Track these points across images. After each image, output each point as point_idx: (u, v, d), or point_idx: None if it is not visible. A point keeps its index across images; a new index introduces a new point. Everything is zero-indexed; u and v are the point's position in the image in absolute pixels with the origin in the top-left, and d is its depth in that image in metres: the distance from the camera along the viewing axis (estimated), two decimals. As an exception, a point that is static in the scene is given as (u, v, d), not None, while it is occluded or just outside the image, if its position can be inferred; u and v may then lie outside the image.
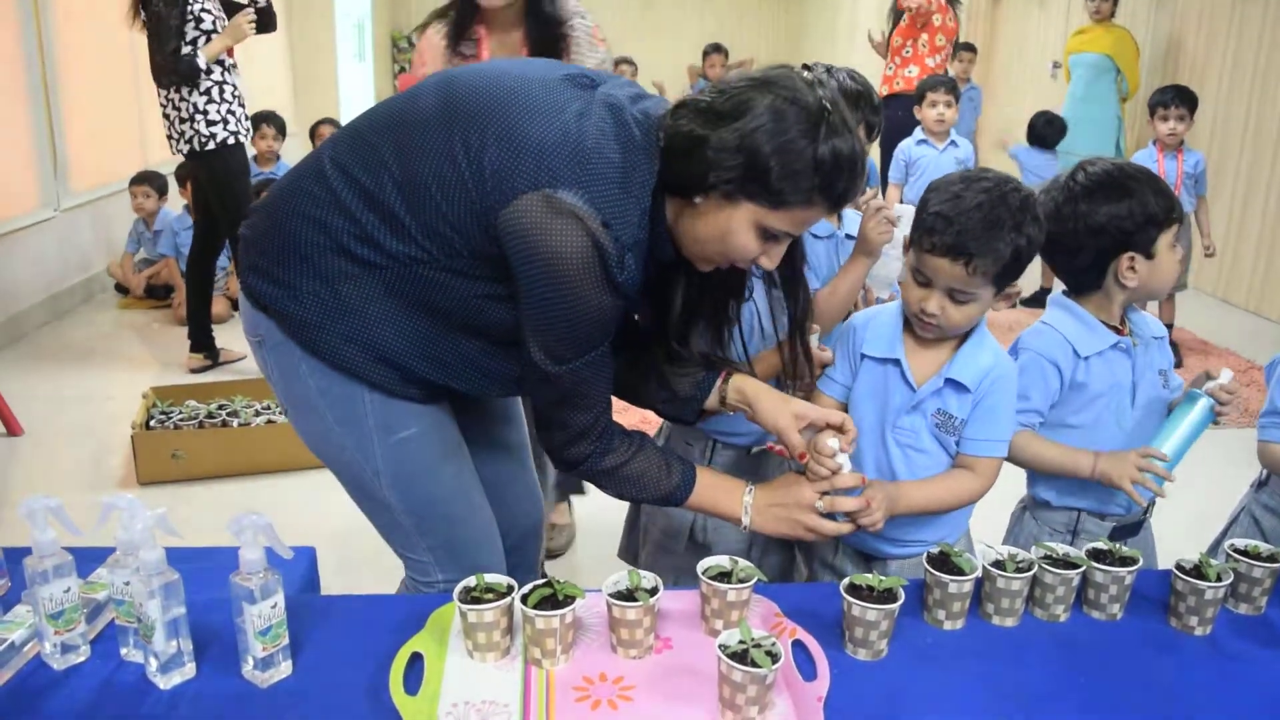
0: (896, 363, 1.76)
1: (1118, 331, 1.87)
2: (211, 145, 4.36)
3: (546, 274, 1.41)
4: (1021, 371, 1.85)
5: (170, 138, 4.42)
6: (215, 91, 4.34)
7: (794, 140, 1.38)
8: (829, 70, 1.96)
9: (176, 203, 5.95)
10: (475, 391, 1.65)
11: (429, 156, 1.46)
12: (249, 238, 1.64)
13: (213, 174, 4.47)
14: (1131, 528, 1.95)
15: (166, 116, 4.39)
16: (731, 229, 1.46)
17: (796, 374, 1.73)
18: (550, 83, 1.50)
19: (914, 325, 1.75)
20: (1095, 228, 1.82)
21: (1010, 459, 1.85)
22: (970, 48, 7.87)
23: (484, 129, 1.45)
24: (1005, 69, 9.38)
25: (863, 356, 1.80)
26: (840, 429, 1.62)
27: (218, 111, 4.36)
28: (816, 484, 1.61)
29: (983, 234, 1.61)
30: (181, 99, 4.30)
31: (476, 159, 1.43)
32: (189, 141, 4.35)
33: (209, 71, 4.29)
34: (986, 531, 1.91)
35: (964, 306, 1.68)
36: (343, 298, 1.54)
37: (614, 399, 1.64)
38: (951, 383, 1.73)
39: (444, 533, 1.71)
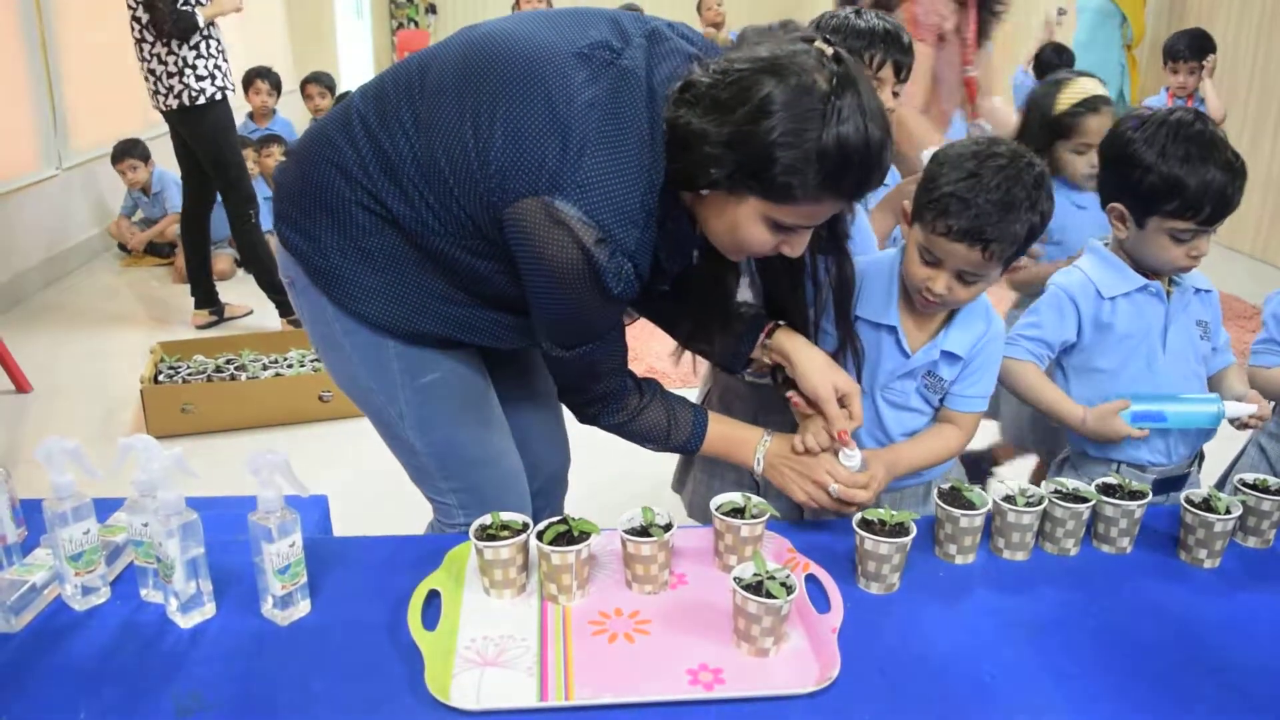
0: (891, 329, 1.72)
1: (1149, 276, 1.84)
2: (201, 100, 4.31)
3: (544, 277, 1.42)
4: (1041, 305, 1.87)
5: (156, 93, 4.35)
6: (203, 46, 4.30)
7: (797, 131, 1.29)
8: (858, 11, 1.92)
9: (169, 161, 5.92)
10: (499, 345, 1.65)
11: (442, 133, 1.45)
12: (280, 182, 1.65)
13: (201, 130, 4.43)
14: (1175, 480, 1.91)
15: (152, 72, 4.32)
16: (739, 223, 1.40)
17: (854, 350, 1.71)
18: (567, 63, 1.41)
19: (914, 299, 1.69)
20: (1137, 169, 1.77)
21: (1007, 384, 1.87)
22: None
23: (494, 112, 1.41)
24: (1012, 14, 9.27)
25: (856, 317, 1.74)
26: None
27: (205, 66, 4.31)
28: (832, 465, 1.62)
29: (1001, 218, 1.52)
30: (169, 52, 4.24)
31: (484, 148, 1.41)
32: (177, 97, 4.30)
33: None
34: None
35: (972, 286, 1.63)
36: (365, 252, 1.54)
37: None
38: (946, 354, 1.71)
39: (467, 476, 1.72)
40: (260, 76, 6.29)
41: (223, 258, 5.63)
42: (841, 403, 1.63)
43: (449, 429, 1.69)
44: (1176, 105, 4.79)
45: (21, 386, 4.08)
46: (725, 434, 1.70)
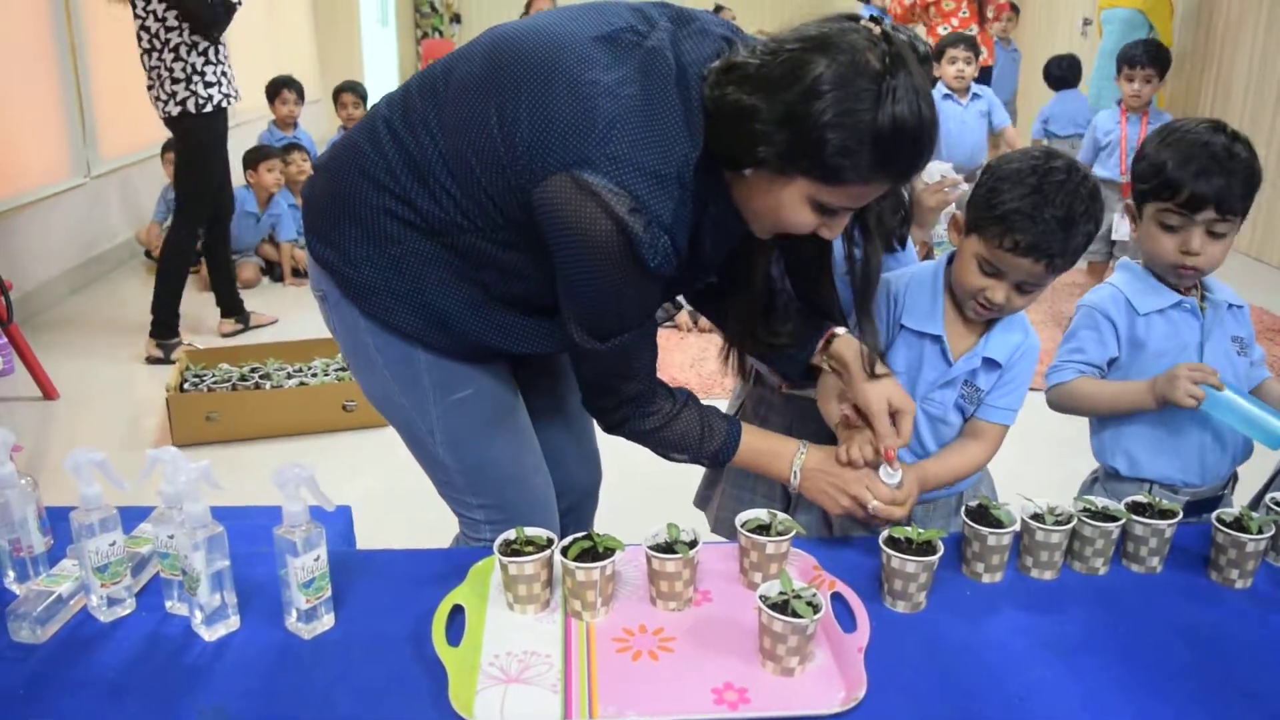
0: (936, 338, 1.74)
1: (1181, 292, 1.82)
2: (209, 107, 4.28)
3: (578, 256, 1.39)
4: (1078, 325, 1.86)
5: (159, 99, 4.28)
6: (212, 53, 4.27)
7: (850, 111, 1.27)
8: (893, 29, 1.92)
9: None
10: (530, 350, 1.64)
11: (468, 129, 1.44)
12: (309, 197, 1.66)
13: (200, 137, 4.37)
14: (1209, 502, 1.87)
15: (158, 79, 4.24)
16: (783, 203, 1.39)
17: (868, 323, 1.64)
18: (590, 47, 1.40)
19: (965, 308, 1.72)
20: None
21: (1067, 406, 1.86)
22: (1014, 8, 7.75)
23: (518, 100, 1.40)
24: (1035, 27, 9.26)
25: (901, 326, 1.76)
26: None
27: (214, 73, 4.29)
28: (872, 480, 1.61)
29: (1066, 233, 1.56)
30: (177, 58, 4.19)
31: (510, 134, 1.40)
32: (181, 103, 4.25)
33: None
34: (1024, 485, 1.90)
35: (1028, 295, 1.66)
36: (395, 262, 1.54)
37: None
38: (987, 360, 1.73)
39: (497, 493, 1.72)
40: (286, 86, 6.33)
41: (248, 266, 5.68)
42: (892, 419, 1.61)
43: (480, 446, 1.69)
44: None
45: (49, 393, 4.11)
46: (759, 446, 1.67)
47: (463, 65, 1.50)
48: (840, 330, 1.70)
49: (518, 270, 1.52)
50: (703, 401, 1.66)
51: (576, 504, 1.98)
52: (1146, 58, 4.76)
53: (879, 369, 1.62)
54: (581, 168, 1.34)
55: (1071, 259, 1.61)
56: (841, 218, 1.44)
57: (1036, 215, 1.56)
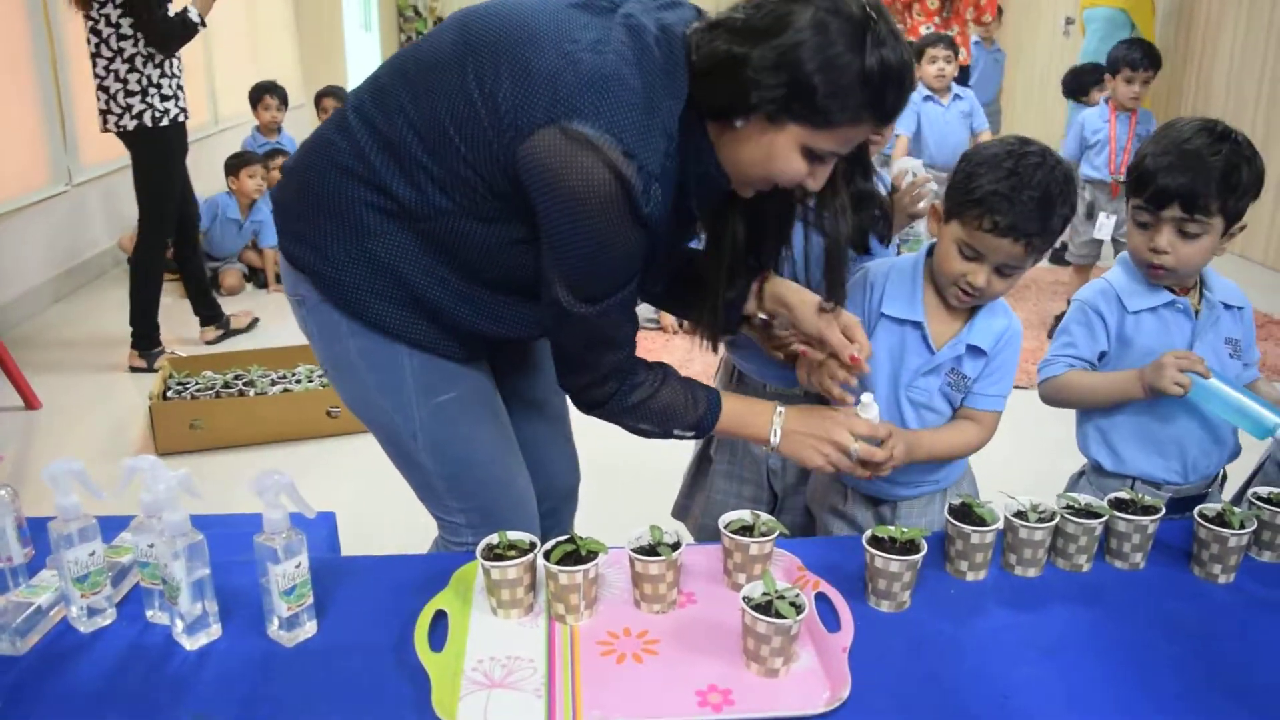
0: (917, 325, 1.76)
1: (1176, 292, 1.82)
2: (165, 121, 4.18)
3: (569, 210, 1.38)
4: (1069, 323, 1.87)
5: (110, 113, 4.13)
6: (168, 65, 4.17)
7: (840, 54, 1.32)
8: None
9: (202, 177, 5.93)
10: (513, 334, 1.62)
11: (444, 97, 1.44)
12: (281, 200, 1.65)
13: (156, 152, 4.26)
14: (1192, 500, 1.86)
15: (105, 89, 4.10)
16: (776, 152, 1.41)
17: (838, 299, 1.67)
18: (566, 13, 1.43)
19: (947, 295, 1.74)
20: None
21: (1059, 399, 1.87)
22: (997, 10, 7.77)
23: (497, 63, 1.40)
24: (1017, 27, 9.29)
25: (881, 315, 1.78)
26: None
27: (170, 86, 4.18)
28: (849, 421, 1.64)
29: (1042, 213, 1.61)
30: (131, 70, 4.07)
31: (490, 94, 1.39)
32: (137, 117, 4.12)
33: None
34: (1011, 481, 1.91)
35: (1009, 278, 1.69)
36: (373, 255, 1.53)
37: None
38: (971, 347, 1.74)
39: (478, 497, 1.72)
40: (268, 92, 6.31)
41: (231, 273, 5.66)
42: (847, 337, 1.65)
43: (462, 449, 1.68)
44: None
45: (31, 403, 4.08)
46: (739, 409, 1.67)
47: (431, 45, 1.50)
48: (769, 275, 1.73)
49: (501, 248, 1.51)
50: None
51: (557, 506, 1.98)
52: (1147, 60, 4.76)
53: (825, 305, 1.67)
54: (569, 118, 1.34)
55: (1049, 240, 1.64)
56: (827, 166, 1.46)
57: (1014, 196, 1.59)
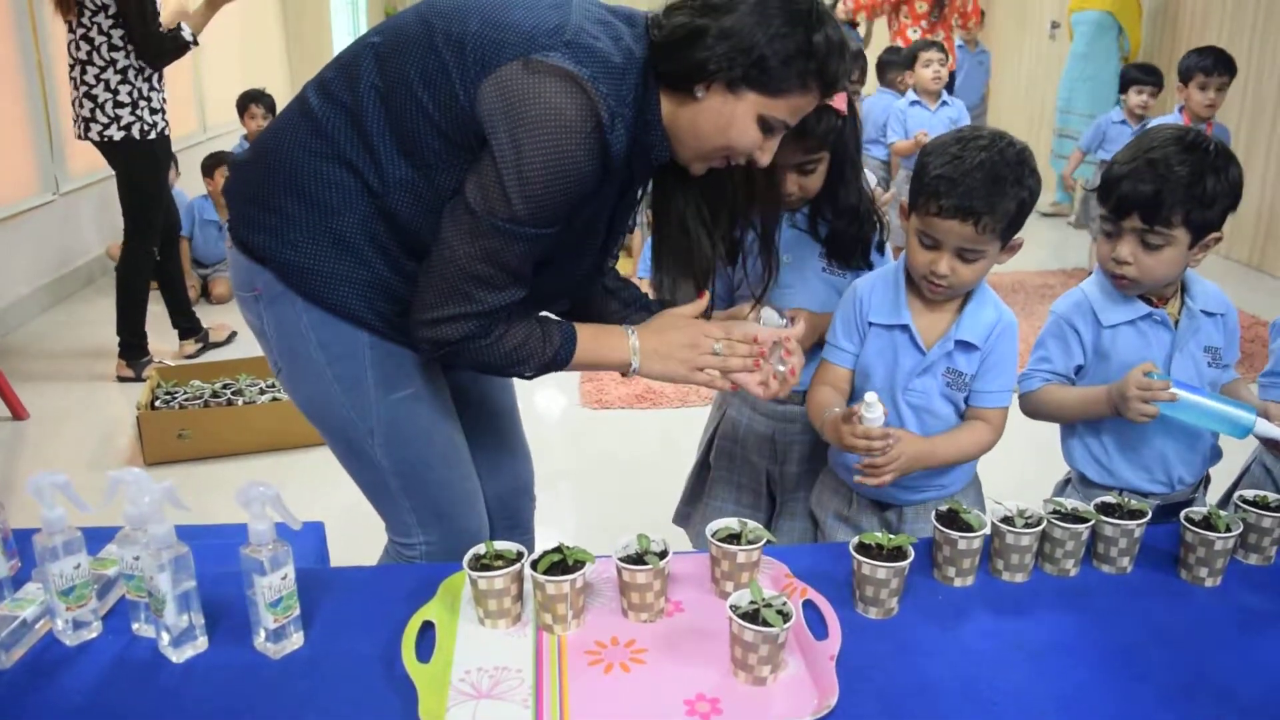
0: (904, 328, 1.76)
1: (1153, 304, 1.79)
2: (153, 135, 4.19)
3: (529, 128, 1.41)
4: (1045, 334, 1.86)
5: (95, 121, 4.11)
6: (155, 79, 4.18)
7: (791, 27, 1.45)
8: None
9: (189, 184, 5.91)
10: None
11: (410, 53, 1.48)
12: (233, 191, 1.64)
13: (144, 164, 4.26)
14: (1178, 506, 1.80)
15: (92, 98, 4.08)
16: (735, 121, 1.50)
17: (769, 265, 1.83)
18: None
19: (922, 289, 1.74)
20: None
21: (1039, 414, 1.87)
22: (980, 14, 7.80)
23: (465, 19, 1.47)
24: (1004, 29, 9.31)
25: (870, 324, 1.79)
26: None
27: (158, 100, 4.20)
28: (702, 324, 1.70)
29: (988, 191, 1.61)
30: (123, 81, 4.06)
31: (458, 42, 1.45)
32: (125, 129, 4.12)
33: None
34: (997, 484, 1.91)
35: (974, 264, 1.68)
36: (337, 234, 1.53)
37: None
38: (960, 343, 1.74)
39: (430, 494, 1.72)
40: (254, 100, 6.28)
41: (221, 281, 5.64)
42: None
43: (419, 447, 1.68)
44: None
45: (18, 413, 4.07)
46: (593, 342, 1.65)
47: (397, 19, 1.56)
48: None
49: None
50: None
51: (512, 501, 1.99)
52: (1220, 67, 4.52)
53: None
54: (541, 52, 1.42)
55: (1002, 219, 1.63)
56: (775, 140, 1.57)
57: (958, 178, 1.61)
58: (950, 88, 5.39)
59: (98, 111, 4.11)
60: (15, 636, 1.37)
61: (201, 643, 1.38)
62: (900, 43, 6.10)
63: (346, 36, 11.59)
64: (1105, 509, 1.58)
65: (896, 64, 5.56)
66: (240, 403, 3.76)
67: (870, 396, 1.63)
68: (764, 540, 1.49)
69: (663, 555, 1.44)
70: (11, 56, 5.33)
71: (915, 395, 1.77)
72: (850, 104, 1.82)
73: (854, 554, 1.45)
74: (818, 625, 1.41)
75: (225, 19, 4.40)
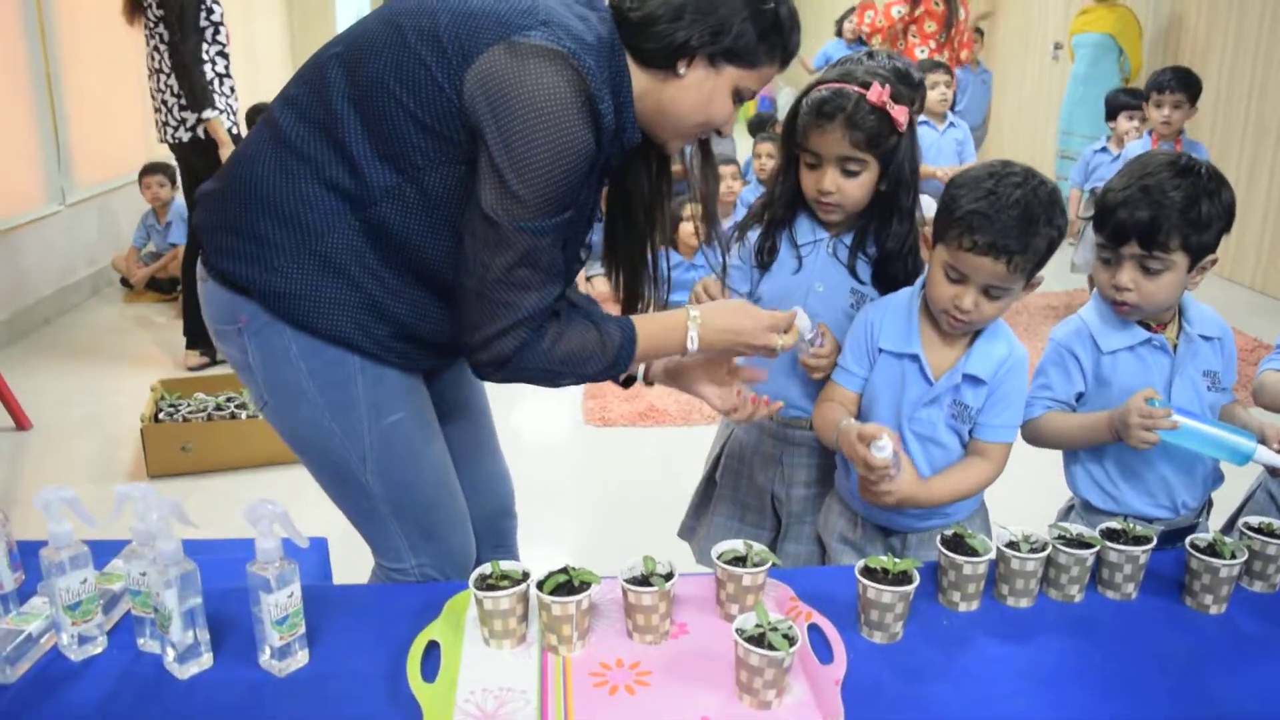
0: (914, 357, 1.75)
1: (1151, 329, 1.79)
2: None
3: (524, 119, 1.41)
4: (1045, 361, 1.86)
5: (166, 125, 4.41)
6: (218, 83, 4.37)
7: (759, 2, 1.52)
8: (871, 54, 1.94)
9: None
10: (442, 338, 1.61)
11: (385, 54, 1.47)
12: (208, 222, 1.61)
13: (209, 161, 4.38)
14: (1182, 532, 1.83)
15: (165, 104, 4.38)
16: (715, 95, 1.57)
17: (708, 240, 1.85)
18: None
19: (941, 321, 1.73)
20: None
21: (1041, 441, 1.86)
22: (978, 30, 7.84)
23: (434, 14, 1.47)
24: (1006, 51, 9.34)
25: (880, 350, 1.78)
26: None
27: (224, 103, 4.39)
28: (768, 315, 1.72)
29: (1022, 231, 1.60)
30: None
31: (432, 36, 1.45)
32: (191, 130, 4.35)
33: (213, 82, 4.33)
34: (1003, 510, 1.91)
35: (997, 301, 1.68)
36: (323, 257, 1.52)
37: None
38: (968, 376, 1.73)
39: (420, 518, 1.71)
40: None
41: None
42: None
43: (410, 471, 1.67)
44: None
45: (22, 424, 4.07)
46: (652, 330, 1.66)
47: (359, 26, 1.56)
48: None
49: (443, 224, 1.51)
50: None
51: (494, 522, 1.99)
52: (1175, 83, 4.58)
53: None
54: (521, 33, 1.43)
55: (1033, 259, 1.64)
56: (736, 112, 1.64)
57: (994, 215, 1.60)
58: (953, 107, 5.42)
59: (169, 115, 4.39)
60: (20, 651, 1.37)
61: (206, 659, 1.38)
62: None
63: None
64: (1110, 535, 1.58)
65: None
66: (243, 416, 3.76)
67: (884, 440, 1.61)
68: (769, 563, 1.49)
69: (668, 577, 1.44)
70: (20, 68, 5.36)
71: (920, 425, 1.76)
72: (911, 125, 1.82)
73: (859, 578, 1.45)
74: (823, 649, 1.41)
75: (230, 29, 4.46)
